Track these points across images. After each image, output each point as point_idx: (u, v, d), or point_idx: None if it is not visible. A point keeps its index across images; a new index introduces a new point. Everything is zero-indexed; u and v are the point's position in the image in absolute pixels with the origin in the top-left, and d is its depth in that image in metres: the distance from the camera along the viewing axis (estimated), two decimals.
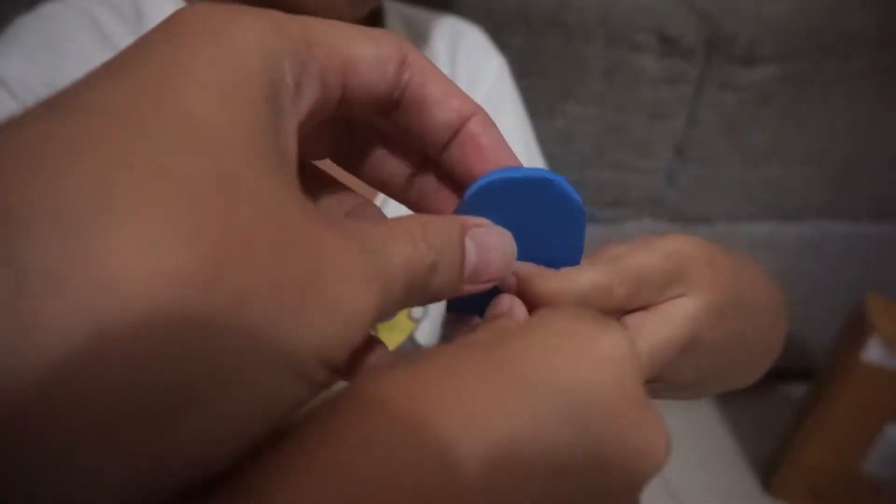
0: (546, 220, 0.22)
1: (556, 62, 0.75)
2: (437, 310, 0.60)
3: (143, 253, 0.11)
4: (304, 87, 0.16)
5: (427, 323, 0.58)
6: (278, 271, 0.13)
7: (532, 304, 0.22)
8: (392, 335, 0.55)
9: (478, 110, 0.19)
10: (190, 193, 0.12)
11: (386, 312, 0.16)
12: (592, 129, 0.80)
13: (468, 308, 0.25)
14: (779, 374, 1.16)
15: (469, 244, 0.18)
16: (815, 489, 0.97)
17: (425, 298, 0.17)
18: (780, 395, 1.21)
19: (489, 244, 0.18)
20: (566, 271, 0.22)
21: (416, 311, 0.57)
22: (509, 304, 0.21)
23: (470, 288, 0.18)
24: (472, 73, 0.57)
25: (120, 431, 0.11)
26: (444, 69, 0.55)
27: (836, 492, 0.96)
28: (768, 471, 1.04)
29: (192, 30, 0.14)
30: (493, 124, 0.19)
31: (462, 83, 0.56)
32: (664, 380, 0.25)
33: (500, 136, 0.19)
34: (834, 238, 0.97)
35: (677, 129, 0.83)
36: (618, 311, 0.23)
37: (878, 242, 0.98)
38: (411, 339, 0.57)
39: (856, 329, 0.88)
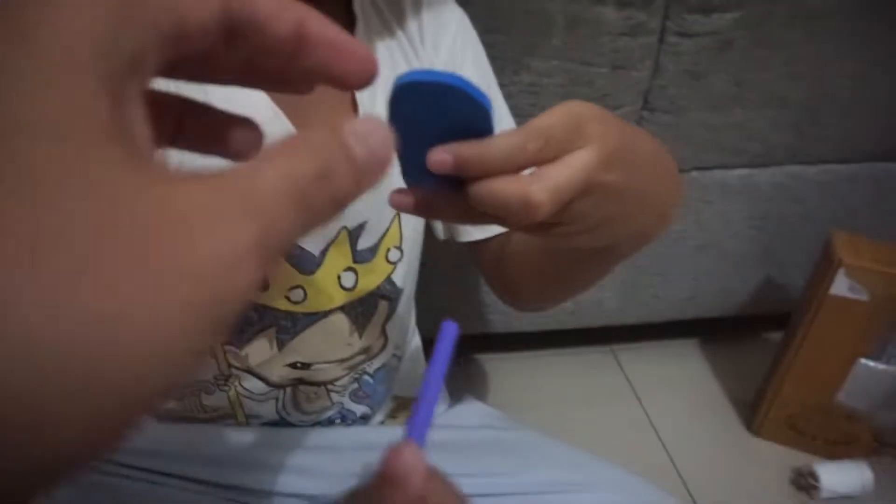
0: (459, 120, 0.26)
1: (519, 17, 0.78)
2: (413, 253, 0.63)
3: None
4: (145, 56, 0.16)
5: (403, 265, 0.61)
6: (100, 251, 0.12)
7: (468, 173, 0.27)
8: (370, 278, 0.58)
9: (306, 8, 0.20)
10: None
11: (282, 239, 0.16)
12: (558, 82, 0.83)
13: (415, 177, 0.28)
14: (760, 321, 1.19)
15: (350, 139, 0.18)
16: (793, 424, 1.01)
17: (329, 208, 0.17)
18: (762, 340, 1.24)
19: (365, 132, 0.18)
20: (488, 139, 0.26)
21: (393, 253, 0.59)
22: (403, 472, 0.25)
23: (369, 180, 0.19)
24: (437, 26, 0.59)
25: None
26: (411, 23, 0.58)
27: (813, 424, 0.99)
28: (751, 413, 1.07)
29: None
30: (325, 18, 0.20)
31: (427, 36, 0.58)
32: (572, 220, 0.29)
33: (339, 29, 0.20)
34: (805, 181, 0.99)
35: (642, 79, 0.85)
36: (531, 164, 0.27)
37: (848, 183, 1.00)
38: (389, 281, 0.60)
39: (824, 265, 0.91)
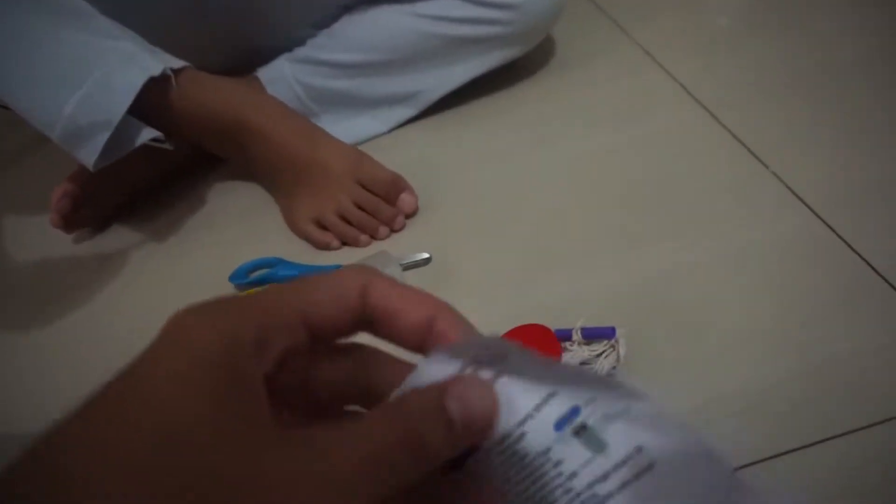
0: None
1: None
2: None
3: None
4: (269, 343, 0.19)
5: None
6: None
7: None
8: None
9: (441, 307, 0.21)
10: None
11: (367, 498, 0.18)
12: None
13: None
14: None
15: (450, 403, 0.19)
16: None
17: (418, 469, 0.19)
18: None
19: (468, 396, 0.19)
20: None
21: None
22: None
23: (463, 444, 0.19)
24: None
25: None
26: None
27: None
28: None
29: (165, 336, 0.18)
30: (458, 316, 0.21)
31: None
32: None
33: (468, 325, 0.21)
34: None
35: None
36: None
37: None
38: None
39: None
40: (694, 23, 0.82)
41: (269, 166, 0.63)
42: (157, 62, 0.57)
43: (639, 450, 0.19)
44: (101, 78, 0.55)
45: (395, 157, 0.63)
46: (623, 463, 0.19)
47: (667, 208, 0.56)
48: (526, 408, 0.20)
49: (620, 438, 0.19)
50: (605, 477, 0.19)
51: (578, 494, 0.19)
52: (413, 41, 0.68)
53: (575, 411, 0.20)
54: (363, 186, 0.60)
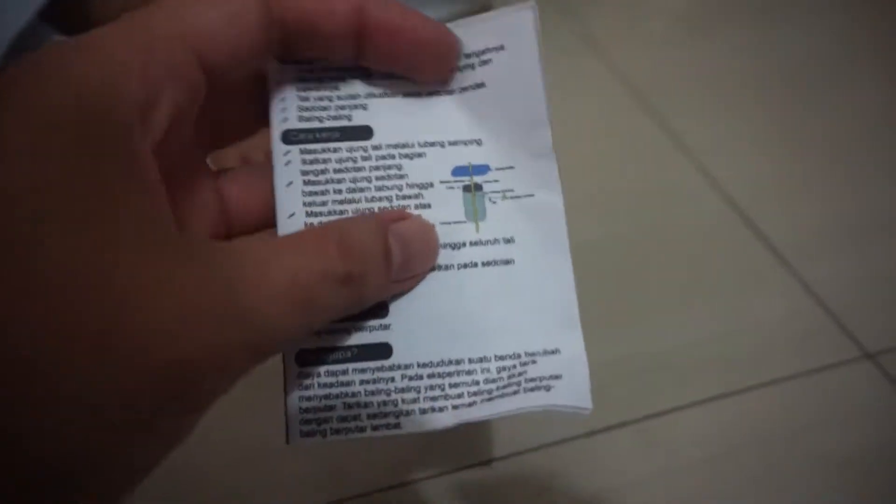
0: None
1: None
2: None
3: None
4: (157, 98, 0.15)
5: None
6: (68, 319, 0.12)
7: None
8: None
9: None
10: None
11: (275, 339, 0.15)
12: None
13: None
14: None
15: (392, 243, 0.17)
16: None
17: (344, 308, 0.16)
18: None
19: (411, 236, 0.18)
20: None
21: None
22: None
23: (396, 287, 0.18)
24: None
25: None
26: None
27: None
28: None
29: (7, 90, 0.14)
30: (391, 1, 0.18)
31: None
32: None
33: (403, 6, 0.18)
34: None
35: None
36: None
37: None
38: None
39: None
40: (640, 13, 0.85)
41: None
42: None
43: (509, 240, 0.19)
44: None
45: None
46: (486, 243, 0.19)
47: (585, 186, 0.57)
48: (442, 132, 0.19)
49: (501, 220, 0.19)
50: (458, 246, 0.19)
51: None
52: None
53: (483, 170, 0.19)
54: None
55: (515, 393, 0.18)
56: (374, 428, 0.18)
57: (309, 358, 0.18)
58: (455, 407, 0.18)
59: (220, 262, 0.14)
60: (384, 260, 0.17)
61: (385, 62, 0.18)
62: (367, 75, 0.19)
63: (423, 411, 0.18)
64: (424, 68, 0.19)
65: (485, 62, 0.19)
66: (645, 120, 0.65)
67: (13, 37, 0.52)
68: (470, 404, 0.18)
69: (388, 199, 0.18)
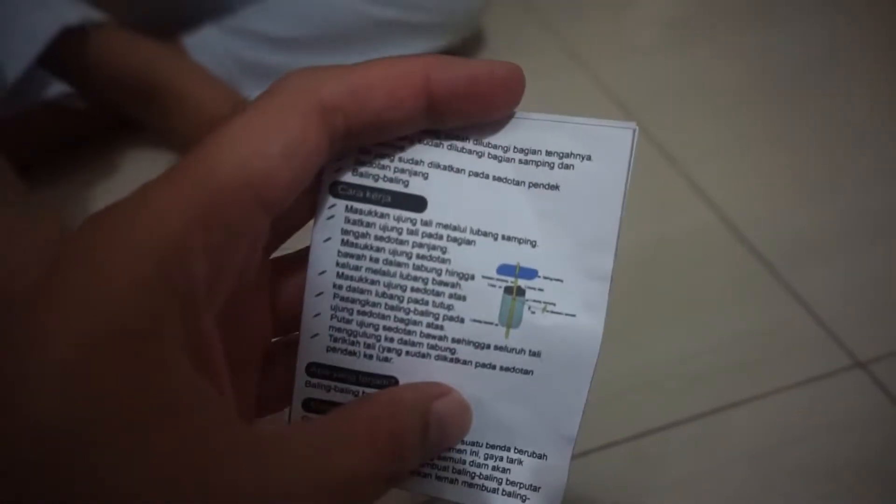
0: None
1: None
2: None
3: None
4: (224, 261, 0.14)
5: None
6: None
7: None
8: None
9: (427, 64, 0.16)
10: None
11: None
12: None
13: None
14: None
15: (432, 424, 0.17)
16: None
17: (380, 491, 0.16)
18: None
19: (450, 415, 0.17)
20: None
21: None
22: None
23: (421, 461, 0.17)
24: None
25: None
26: None
27: None
28: None
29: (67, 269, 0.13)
30: (450, 60, 0.17)
31: None
32: None
33: (460, 59, 0.17)
34: None
35: None
36: None
37: None
38: None
39: None
40: (622, 26, 0.85)
41: (192, 136, 0.60)
42: (74, 11, 0.55)
43: (535, 354, 0.18)
44: (8, 20, 0.52)
45: None
46: (512, 350, 0.18)
47: None
48: (498, 224, 0.18)
49: (534, 333, 0.18)
50: (483, 346, 0.18)
51: (440, 338, 0.18)
52: (345, 19, 0.68)
53: (530, 274, 0.18)
54: None
55: (494, 491, 0.18)
56: None
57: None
58: (438, 478, 0.18)
59: (272, 463, 0.13)
60: (423, 444, 0.16)
61: (458, 119, 0.17)
62: (436, 142, 0.18)
63: (412, 472, 0.18)
64: (497, 109, 0.17)
65: (566, 166, 0.18)
66: None
67: (13, 82, 0.52)
68: (452, 481, 0.18)
69: (424, 280, 0.18)
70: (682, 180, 0.59)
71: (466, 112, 0.17)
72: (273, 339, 0.19)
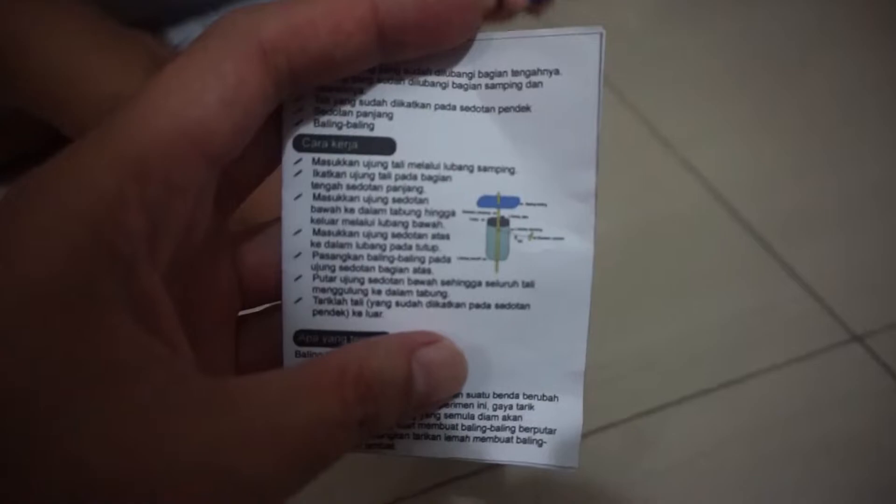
0: None
1: None
2: None
3: None
4: (165, 217, 0.14)
5: None
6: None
7: None
8: None
9: None
10: None
11: (276, 499, 0.14)
12: None
13: None
14: None
15: (416, 372, 0.16)
16: None
17: (353, 444, 0.15)
18: None
19: (437, 363, 0.16)
20: None
21: None
22: None
23: (413, 414, 0.17)
24: None
25: None
26: None
27: None
28: None
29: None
30: None
31: None
32: None
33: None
34: None
35: None
36: None
37: None
38: None
39: None
40: (609, 11, 0.85)
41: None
42: None
43: (528, 284, 0.18)
44: None
45: None
46: (504, 284, 0.18)
47: None
48: (473, 155, 0.17)
49: (523, 262, 0.18)
50: (474, 285, 0.18)
51: (429, 282, 0.17)
52: None
53: (512, 203, 0.17)
54: None
55: (508, 441, 0.18)
56: (368, 447, 0.18)
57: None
58: (448, 438, 0.18)
59: (228, 413, 0.13)
60: (404, 393, 0.16)
61: (413, 50, 0.16)
62: (396, 78, 0.17)
63: (417, 436, 0.18)
64: (452, 35, 0.16)
65: (534, 84, 0.17)
66: (622, 113, 0.65)
67: None
68: (462, 438, 0.18)
69: (404, 224, 0.17)
70: (676, 160, 0.58)
71: (421, 41, 0.16)
72: (241, 313, 0.18)
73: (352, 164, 0.17)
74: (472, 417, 0.18)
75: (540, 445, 0.18)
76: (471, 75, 0.17)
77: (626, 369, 0.40)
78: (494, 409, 0.18)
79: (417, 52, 0.16)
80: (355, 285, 0.17)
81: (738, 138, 0.61)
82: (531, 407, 0.18)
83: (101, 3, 0.59)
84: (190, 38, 0.64)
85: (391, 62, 0.17)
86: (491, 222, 0.17)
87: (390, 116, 0.17)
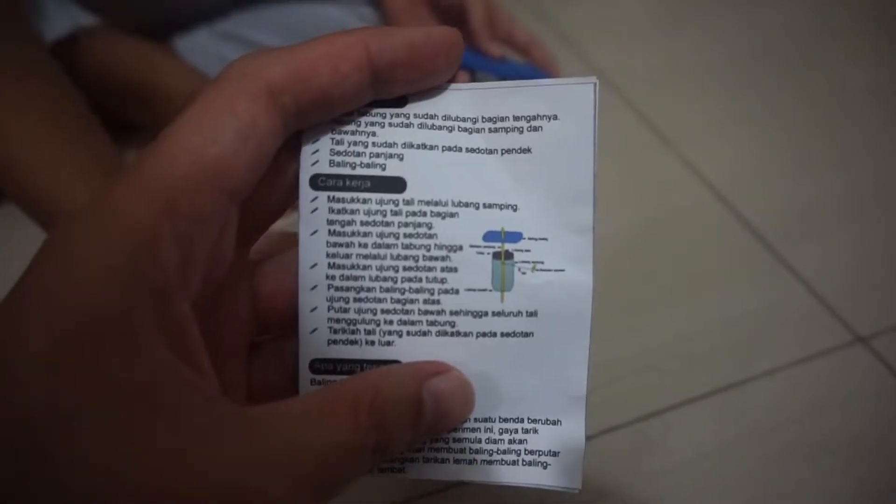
0: None
1: None
2: None
3: None
4: (193, 250, 0.15)
5: None
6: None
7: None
8: None
9: (369, 36, 0.17)
10: None
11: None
12: None
13: None
14: None
15: (426, 400, 0.16)
16: None
17: (367, 468, 0.16)
18: None
19: (447, 392, 0.17)
20: None
21: None
22: None
23: (423, 439, 0.18)
24: None
25: None
26: None
27: None
28: None
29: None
30: (386, 30, 0.17)
31: None
32: None
33: (400, 30, 0.17)
34: None
35: None
36: None
37: None
38: None
39: None
40: (613, 9, 0.85)
41: None
42: (65, 20, 0.55)
43: (531, 314, 0.18)
44: None
45: None
46: (509, 314, 0.18)
47: None
48: (478, 193, 0.18)
49: (527, 292, 0.18)
50: (480, 314, 0.18)
51: (438, 313, 0.18)
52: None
53: (515, 237, 0.18)
54: None
55: (514, 463, 0.19)
56: (380, 470, 0.19)
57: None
58: (457, 461, 0.18)
59: (251, 436, 0.14)
60: (415, 420, 0.16)
61: (403, 87, 0.18)
62: (406, 123, 0.18)
63: (427, 460, 0.18)
64: (438, 72, 0.18)
65: (534, 128, 0.18)
66: (623, 113, 0.65)
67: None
68: (470, 461, 0.19)
69: (415, 258, 0.18)
70: (677, 160, 0.59)
71: (409, 78, 0.17)
72: (257, 339, 0.19)
73: (365, 201, 0.18)
74: (480, 441, 0.19)
75: (545, 468, 0.19)
76: (475, 120, 0.18)
77: (629, 370, 0.41)
78: (501, 433, 0.19)
79: (407, 88, 0.18)
80: (368, 316, 0.18)
81: (739, 137, 0.61)
82: (536, 431, 0.19)
83: (109, 12, 0.60)
84: (197, 47, 0.65)
85: (385, 97, 0.18)
86: (496, 256, 0.18)
87: (401, 157, 0.18)
